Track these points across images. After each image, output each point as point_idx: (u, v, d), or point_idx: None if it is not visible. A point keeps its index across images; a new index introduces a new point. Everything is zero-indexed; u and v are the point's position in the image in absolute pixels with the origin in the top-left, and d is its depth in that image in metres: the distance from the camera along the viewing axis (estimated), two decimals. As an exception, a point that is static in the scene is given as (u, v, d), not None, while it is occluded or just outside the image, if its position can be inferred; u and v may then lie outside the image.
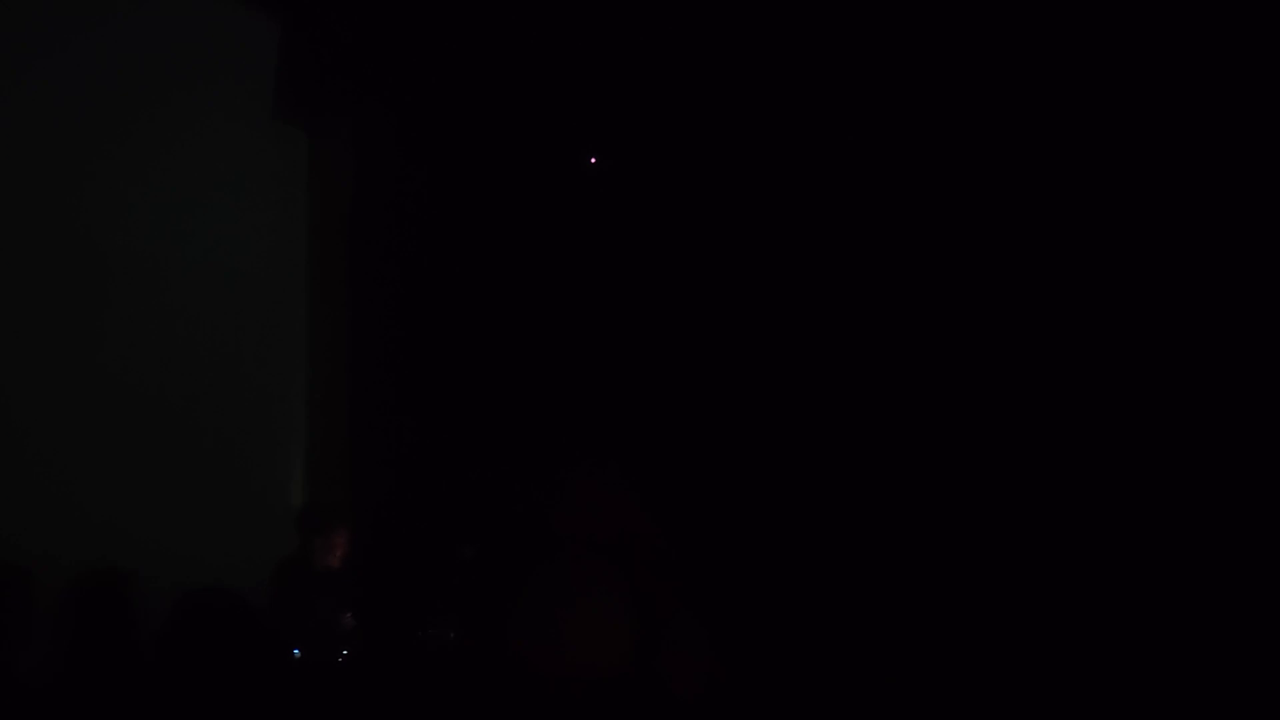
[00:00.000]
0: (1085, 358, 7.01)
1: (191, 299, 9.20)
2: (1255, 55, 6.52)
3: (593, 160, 8.95)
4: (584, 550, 5.93)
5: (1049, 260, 7.15)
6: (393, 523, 8.78)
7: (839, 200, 7.89)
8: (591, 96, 8.86)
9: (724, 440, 8.01)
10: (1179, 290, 6.76)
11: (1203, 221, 6.69)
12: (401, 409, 9.24)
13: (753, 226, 8.21)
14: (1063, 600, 6.64)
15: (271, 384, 9.53)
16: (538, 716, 5.43)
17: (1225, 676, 6.07)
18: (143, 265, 9.06)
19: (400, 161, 9.37)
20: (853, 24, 7.85)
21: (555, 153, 9.01)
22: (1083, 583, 6.65)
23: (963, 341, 7.41)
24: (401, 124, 9.37)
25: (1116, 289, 6.93)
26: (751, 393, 8.03)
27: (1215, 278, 6.67)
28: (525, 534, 7.09)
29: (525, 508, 7.35)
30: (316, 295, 9.60)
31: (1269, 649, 6.05)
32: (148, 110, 9.10)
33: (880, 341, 7.68)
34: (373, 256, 9.41)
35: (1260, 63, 6.49)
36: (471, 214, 9.25)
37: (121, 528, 8.15)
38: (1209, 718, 6.03)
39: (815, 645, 6.68)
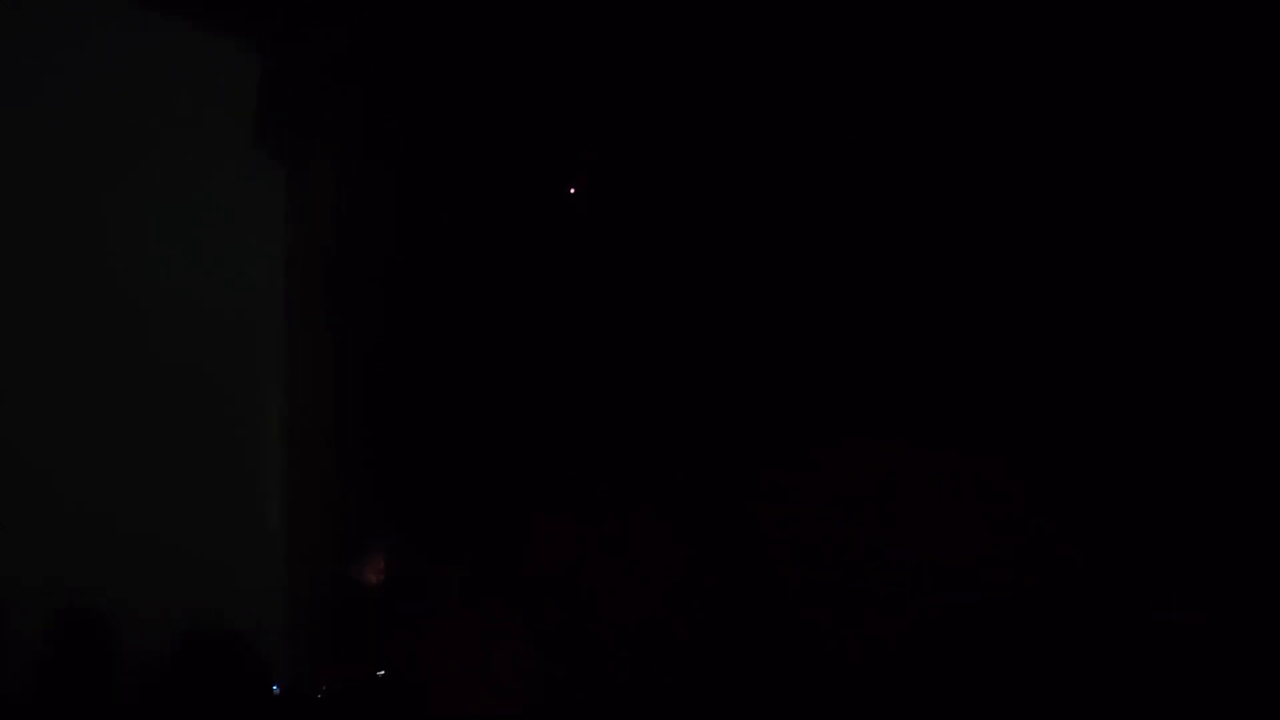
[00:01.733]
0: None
1: (172, 324, 9.27)
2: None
3: (572, 190, 8.97)
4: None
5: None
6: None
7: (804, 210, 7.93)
8: (570, 127, 8.88)
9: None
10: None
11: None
12: (379, 435, 9.26)
13: (732, 253, 8.24)
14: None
15: (250, 410, 9.58)
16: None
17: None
18: (123, 293, 9.14)
19: (380, 190, 9.40)
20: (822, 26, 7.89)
21: (534, 184, 9.03)
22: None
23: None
24: (381, 153, 9.40)
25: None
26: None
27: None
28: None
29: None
30: (296, 321, 9.64)
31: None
32: (130, 140, 9.19)
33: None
34: (352, 284, 9.44)
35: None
36: (451, 243, 9.27)
37: (97, 554, 8.20)
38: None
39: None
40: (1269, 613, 6.03)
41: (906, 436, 7.41)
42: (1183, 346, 6.95)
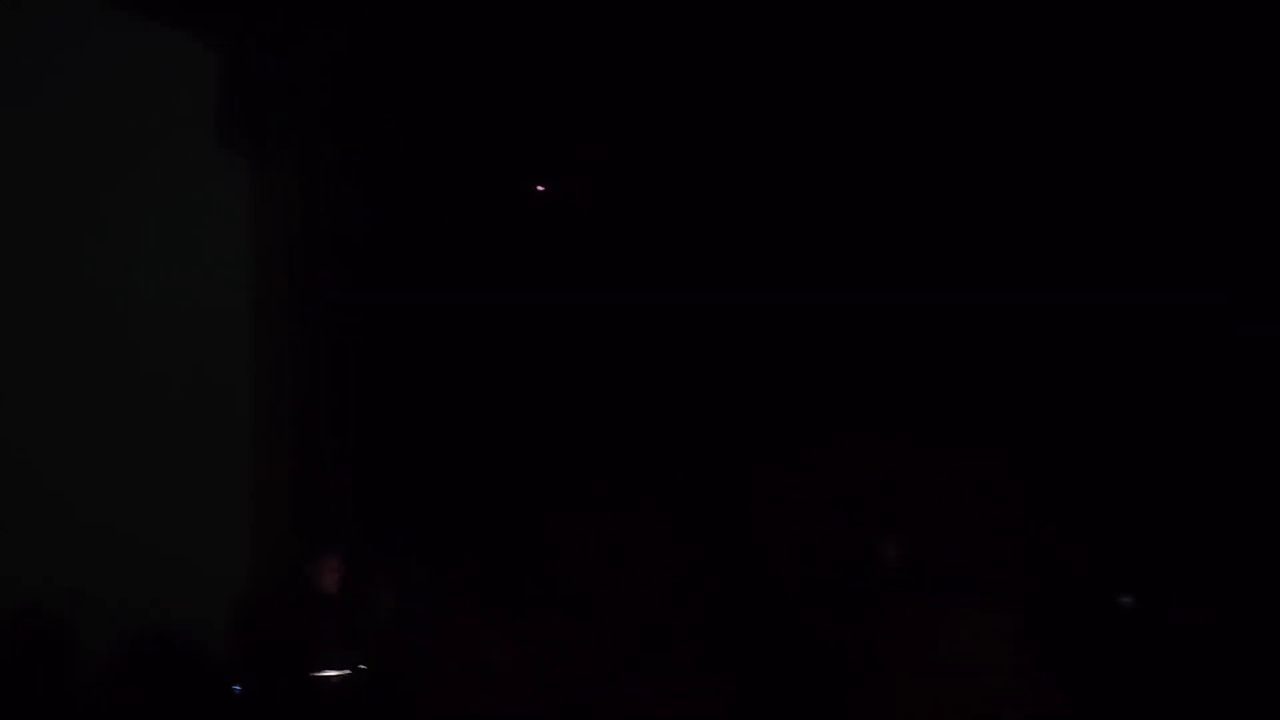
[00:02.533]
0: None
1: (134, 320, 9.13)
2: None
3: (540, 189, 8.97)
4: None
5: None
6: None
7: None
8: (532, 127, 8.87)
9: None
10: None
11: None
12: (344, 434, 9.20)
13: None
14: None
15: (215, 409, 9.45)
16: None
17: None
18: (86, 293, 9.00)
19: (344, 189, 9.33)
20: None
21: (498, 183, 9.01)
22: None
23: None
24: (346, 152, 9.33)
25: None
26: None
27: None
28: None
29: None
30: (261, 320, 9.52)
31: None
32: (94, 137, 9.05)
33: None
34: (316, 282, 9.35)
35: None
36: (416, 241, 9.23)
37: (57, 558, 8.10)
38: None
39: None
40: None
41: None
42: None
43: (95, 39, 9.09)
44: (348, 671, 7.16)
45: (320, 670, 7.01)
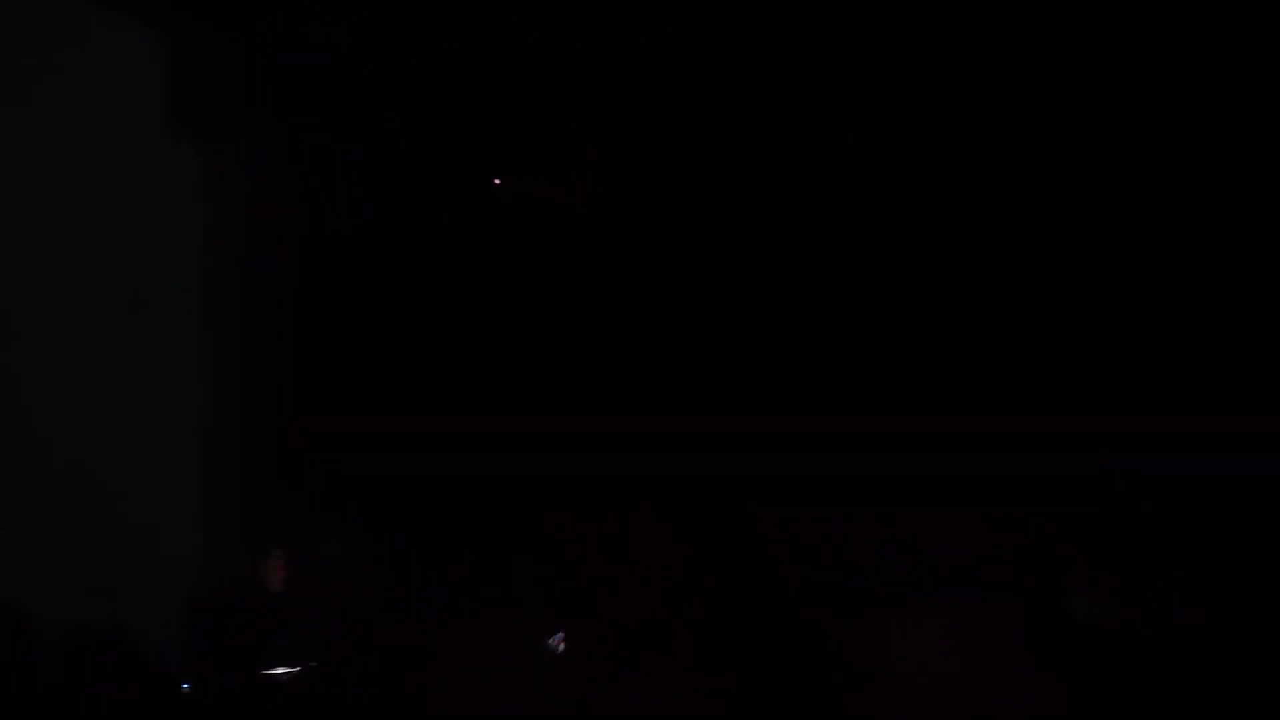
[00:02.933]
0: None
1: (80, 318, 8.98)
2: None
3: (497, 181, 8.96)
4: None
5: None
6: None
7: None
8: (489, 116, 8.86)
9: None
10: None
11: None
12: (294, 428, 9.13)
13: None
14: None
15: (162, 404, 9.31)
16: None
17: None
18: (30, 283, 8.84)
19: (295, 181, 9.26)
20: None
21: (453, 174, 8.99)
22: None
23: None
24: (296, 143, 9.26)
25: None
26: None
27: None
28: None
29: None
30: (209, 314, 9.42)
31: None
32: (38, 126, 8.89)
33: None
34: (267, 276, 9.27)
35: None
36: (368, 234, 9.19)
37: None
38: None
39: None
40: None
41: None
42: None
43: (42, 26, 8.95)
44: (299, 669, 7.10)
45: (272, 668, 6.95)
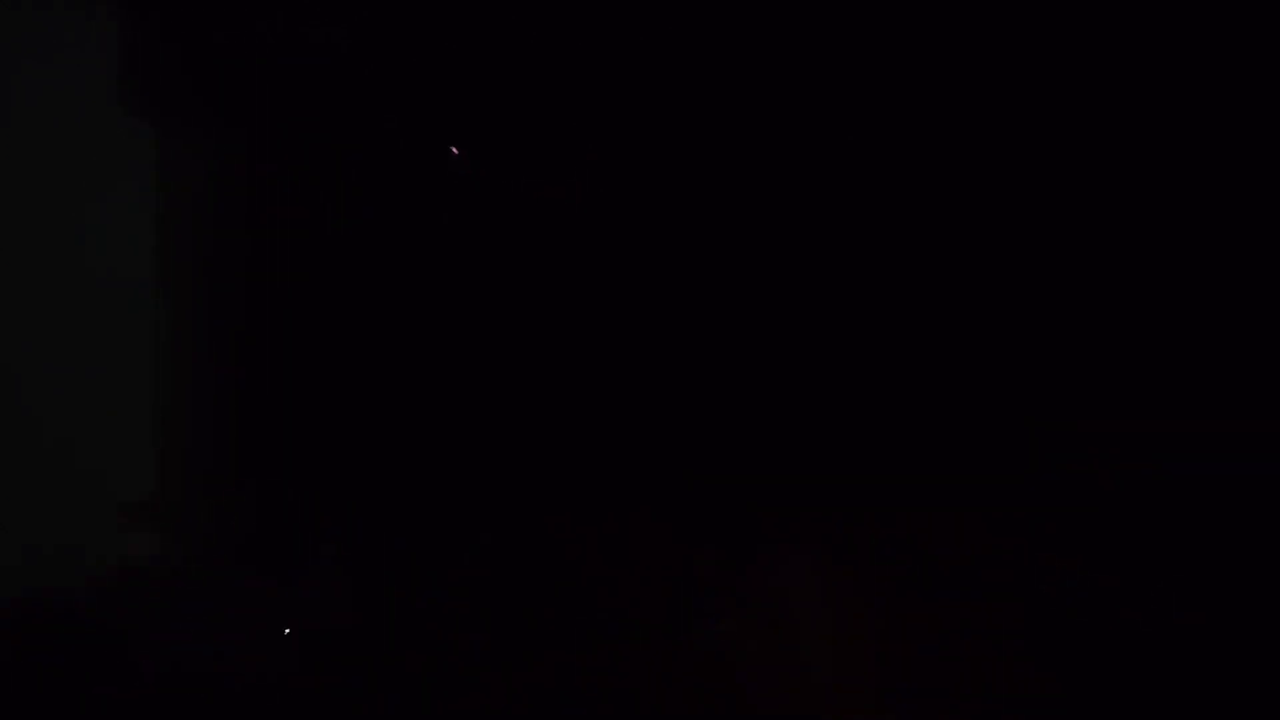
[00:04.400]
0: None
1: (32, 297, 8.80)
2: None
3: (454, 151, 8.87)
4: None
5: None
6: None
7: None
8: (454, 98, 8.77)
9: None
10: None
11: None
12: (250, 412, 9.02)
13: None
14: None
15: (117, 387, 9.16)
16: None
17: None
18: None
19: (255, 161, 9.11)
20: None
21: (416, 154, 8.89)
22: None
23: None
24: (256, 122, 9.11)
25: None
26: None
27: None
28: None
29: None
30: (165, 295, 9.26)
31: None
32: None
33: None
34: (225, 256, 9.13)
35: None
36: (331, 216, 9.07)
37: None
38: None
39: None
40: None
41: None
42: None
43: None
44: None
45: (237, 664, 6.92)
